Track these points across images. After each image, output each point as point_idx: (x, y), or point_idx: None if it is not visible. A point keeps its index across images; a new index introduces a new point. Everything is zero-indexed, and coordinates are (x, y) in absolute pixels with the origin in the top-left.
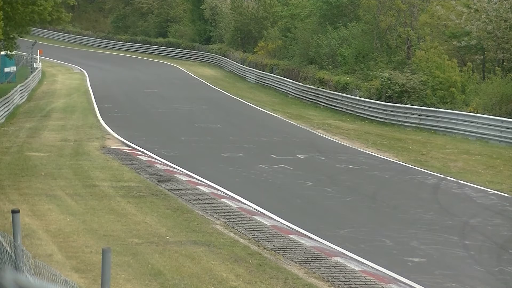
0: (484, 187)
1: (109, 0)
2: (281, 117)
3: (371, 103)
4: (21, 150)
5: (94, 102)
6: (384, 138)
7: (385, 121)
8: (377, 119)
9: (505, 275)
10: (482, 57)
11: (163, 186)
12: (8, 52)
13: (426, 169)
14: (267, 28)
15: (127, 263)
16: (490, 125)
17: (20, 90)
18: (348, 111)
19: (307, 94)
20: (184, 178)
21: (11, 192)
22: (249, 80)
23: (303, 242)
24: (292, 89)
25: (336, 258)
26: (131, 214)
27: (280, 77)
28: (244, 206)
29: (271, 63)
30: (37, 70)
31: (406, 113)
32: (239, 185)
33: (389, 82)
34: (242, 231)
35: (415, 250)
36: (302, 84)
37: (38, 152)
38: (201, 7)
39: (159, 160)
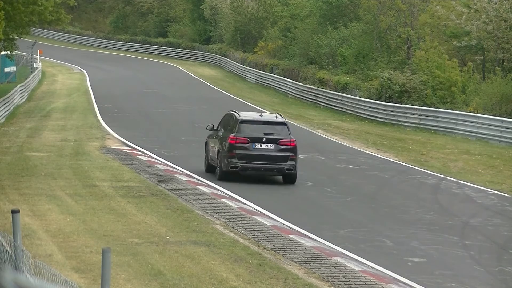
0: (484, 187)
1: (109, 0)
2: None
3: (371, 103)
4: (21, 150)
5: (94, 102)
6: (384, 138)
7: (385, 121)
8: (377, 119)
9: (505, 275)
10: (482, 57)
11: (163, 186)
12: (8, 52)
13: (426, 169)
14: (267, 28)
15: (127, 263)
16: (490, 125)
17: (20, 90)
18: (348, 111)
19: (307, 94)
20: (184, 178)
21: (11, 192)
22: (249, 80)
23: (303, 242)
24: (292, 89)
25: (336, 258)
26: (131, 214)
27: (280, 77)
28: (244, 206)
29: (271, 63)
30: (37, 70)
31: (406, 113)
32: (239, 185)
33: (389, 82)
34: (242, 231)
35: (415, 250)
36: (302, 84)
37: (38, 152)
38: (201, 7)
39: (159, 160)
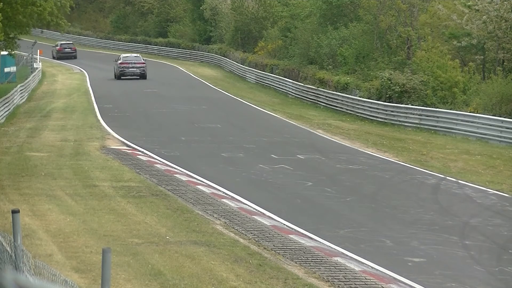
0: (484, 187)
1: (109, 0)
2: (281, 117)
3: (371, 103)
4: (21, 150)
5: (94, 102)
6: (384, 138)
7: (385, 121)
8: (377, 119)
9: (505, 275)
10: (482, 57)
11: (163, 186)
12: (10, 51)
13: (426, 169)
14: (267, 28)
15: (127, 263)
16: (490, 125)
17: (20, 90)
18: (348, 111)
19: (307, 94)
20: (184, 178)
21: (11, 192)
22: (249, 80)
23: (303, 242)
24: (292, 89)
25: (336, 258)
26: (131, 214)
27: (280, 77)
28: (244, 206)
29: (271, 63)
30: (37, 70)
31: (406, 113)
32: (239, 185)
33: (390, 82)
34: (242, 231)
35: (415, 250)
36: (302, 84)
37: (38, 152)
38: (201, 7)
39: (159, 160)
